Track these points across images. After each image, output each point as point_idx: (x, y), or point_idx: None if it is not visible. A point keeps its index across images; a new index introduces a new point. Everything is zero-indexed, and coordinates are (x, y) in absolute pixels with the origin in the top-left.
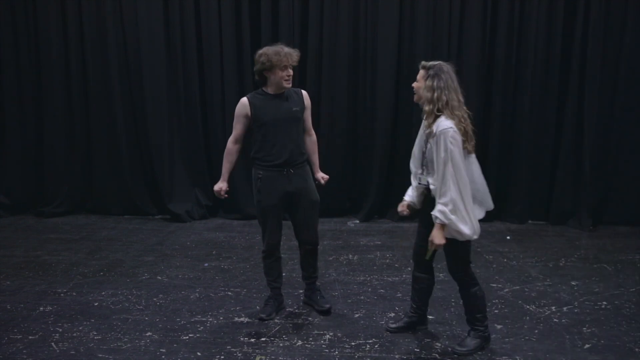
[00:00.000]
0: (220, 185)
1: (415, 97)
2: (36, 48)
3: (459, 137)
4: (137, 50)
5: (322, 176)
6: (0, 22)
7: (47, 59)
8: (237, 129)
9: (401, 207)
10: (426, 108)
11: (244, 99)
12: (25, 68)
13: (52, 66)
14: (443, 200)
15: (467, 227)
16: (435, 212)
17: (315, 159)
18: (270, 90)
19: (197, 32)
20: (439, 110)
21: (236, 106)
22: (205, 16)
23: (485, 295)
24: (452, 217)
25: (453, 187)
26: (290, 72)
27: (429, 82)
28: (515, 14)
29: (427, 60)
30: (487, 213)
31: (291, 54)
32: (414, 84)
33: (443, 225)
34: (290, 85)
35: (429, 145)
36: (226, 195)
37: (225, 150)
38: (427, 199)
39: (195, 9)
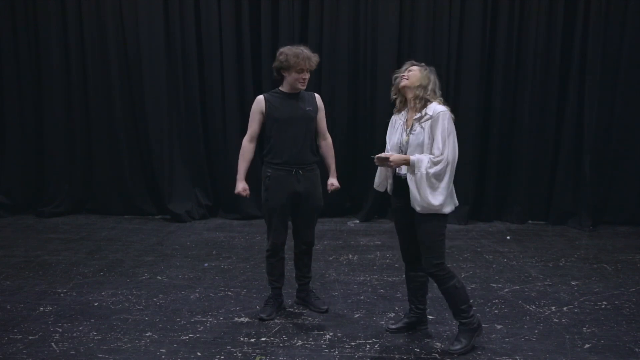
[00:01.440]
0: (243, 186)
1: (406, 81)
2: (36, 48)
3: (452, 123)
4: (137, 51)
5: (332, 183)
6: (0, 22)
7: (47, 60)
8: (253, 127)
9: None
10: (416, 92)
11: (260, 97)
12: (25, 68)
13: (52, 66)
14: (437, 158)
15: (441, 198)
16: (421, 156)
17: (331, 162)
18: (285, 89)
19: (197, 32)
20: (431, 97)
21: (252, 104)
22: (205, 16)
23: (464, 284)
24: (431, 170)
25: (450, 156)
26: (306, 75)
27: (425, 72)
28: (515, 14)
29: (425, 61)
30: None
31: (310, 59)
32: (407, 72)
33: (408, 163)
34: (305, 87)
35: (416, 130)
36: (249, 193)
37: (241, 150)
38: (403, 190)
39: (195, 9)
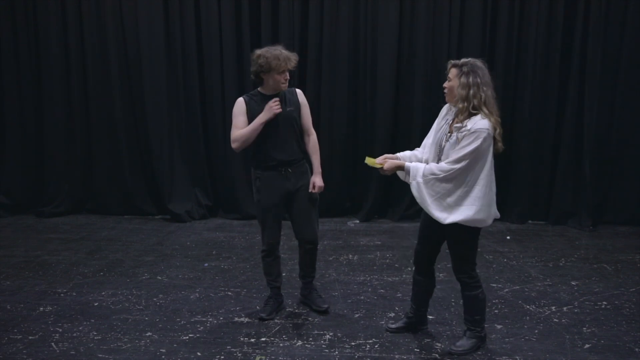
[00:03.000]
0: (269, 104)
1: (448, 97)
2: (36, 48)
3: (491, 141)
4: (137, 51)
5: (314, 183)
6: (0, 22)
7: (47, 59)
8: (240, 120)
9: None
10: (460, 105)
11: (240, 99)
12: (25, 68)
13: (52, 66)
14: (439, 168)
15: (447, 216)
16: (420, 165)
17: (315, 160)
18: (265, 91)
19: (197, 32)
20: (474, 108)
21: (233, 107)
22: (205, 16)
23: (486, 296)
24: (428, 179)
25: (458, 177)
26: (288, 75)
27: (463, 80)
28: (515, 14)
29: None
30: None
31: (289, 59)
32: (446, 84)
33: (403, 168)
34: (287, 87)
35: (453, 138)
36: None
37: (237, 136)
38: None
39: (195, 9)
